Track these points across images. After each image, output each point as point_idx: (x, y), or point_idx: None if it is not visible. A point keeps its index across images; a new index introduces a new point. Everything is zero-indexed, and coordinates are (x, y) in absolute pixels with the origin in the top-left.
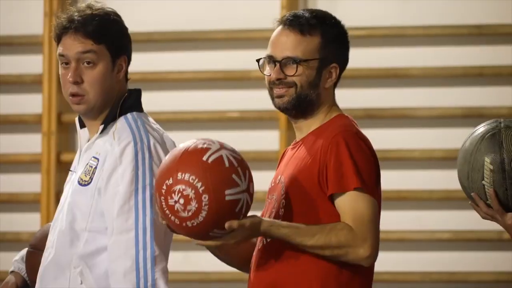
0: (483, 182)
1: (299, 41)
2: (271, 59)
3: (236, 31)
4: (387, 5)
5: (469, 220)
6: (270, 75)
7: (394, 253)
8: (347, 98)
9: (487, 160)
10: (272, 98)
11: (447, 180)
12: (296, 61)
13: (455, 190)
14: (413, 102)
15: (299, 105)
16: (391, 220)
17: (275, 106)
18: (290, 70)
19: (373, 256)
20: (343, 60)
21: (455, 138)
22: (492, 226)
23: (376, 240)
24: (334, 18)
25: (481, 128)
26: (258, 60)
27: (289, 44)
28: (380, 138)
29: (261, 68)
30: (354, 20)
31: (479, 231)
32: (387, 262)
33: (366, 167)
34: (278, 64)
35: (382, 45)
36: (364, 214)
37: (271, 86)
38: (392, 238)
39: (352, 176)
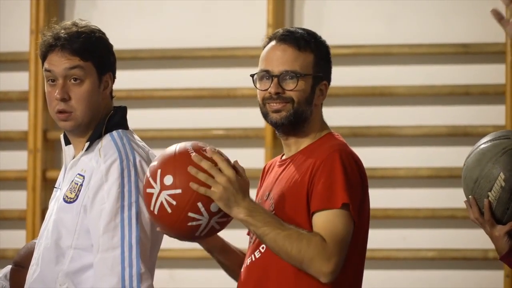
0: (489, 193)
1: (296, 56)
2: (267, 74)
3: (222, 49)
4: (373, 23)
5: (454, 238)
6: (265, 90)
7: (380, 272)
8: (333, 116)
9: (502, 176)
10: (266, 113)
11: (433, 198)
12: (296, 75)
13: (440, 208)
14: (399, 120)
15: (295, 121)
16: (377, 239)
17: (271, 121)
18: (289, 85)
19: (334, 274)
20: (330, 78)
21: (441, 157)
22: (477, 245)
23: (342, 260)
24: (320, 36)
25: (506, 138)
26: (252, 76)
27: (286, 59)
28: (365, 157)
29: (255, 83)
30: (340, 38)
31: (464, 250)
32: (373, 280)
33: (355, 189)
34: (276, 79)
35: (368, 63)
36: (339, 232)
37: (266, 101)
38: (378, 256)
39: (342, 192)
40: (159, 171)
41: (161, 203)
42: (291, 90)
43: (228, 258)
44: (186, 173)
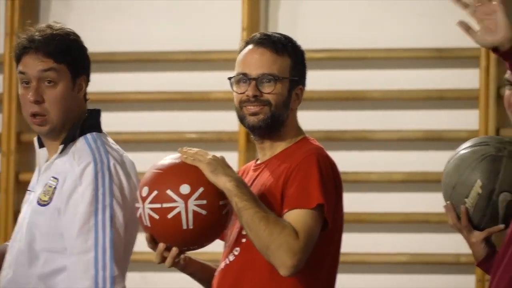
0: (466, 199)
1: (274, 59)
2: (244, 77)
3: (196, 53)
4: (348, 27)
5: (427, 243)
6: (243, 93)
7: (352, 276)
8: (308, 120)
9: (479, 183)
10: (243, 116)
11: (406, 203)
12: (274, 78)
13: (413, 213)
14: (373, 125)
15: (272, 125)
16: (349, 243)
17: (248, 124)
18: (267, 88)
19: (295, 270)
20: (305, 83)
21: (414, 161)
22: (450, 249)
23: (305, 258)
24: (296, 41)
25: (486, 144)
26: (229, 78)
27: (264, 62)
28: (340, 161)
29: (232, 86)
30: (314, 43)
31: (436, 254)
32: (346, 284)
33: (330, 192)
34: (254, 81)
35: (343, 67)
36: (310, 231)
37: (243, 104)
38: (350, 260)
39: (317, 193)
40: (138, 189)
41: (149, 214)
42: (268, 93)
43: (208, 274)
44: (156, 176)
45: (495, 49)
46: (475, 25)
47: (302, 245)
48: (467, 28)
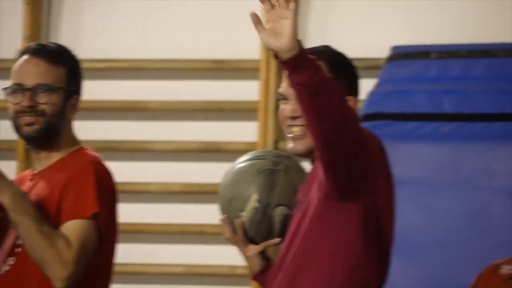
0: (242, 213)
1: (49, 69)
2: (20, 87)
3: None
4: (128, 38)
5: (203, 254)
6: (18, 103)
7: (127, 286)
8: (86, 129)
9: (255, 197)
10: (19, 126)
11: (183, 214)
12: (49, 88)
13: (190, 224)
14: (151, 135)
15: (47, 134)
16: (126, 253)
17: (23, 134)
18: (42, 98)
19: (69, 282)
20: (81, 93)
21: (192, 172)
22: (226, 261)
23: (80, 269)
24: (71, 50)
25: (263, 158)
26: (4, 89)
27: (39, 72)
28: (117, 171)
29: (8, 96)
30: (94, 53)
31: (212, 266)
32: None
33: (106, 201)
34: (29, 92)
35: (122, 78)
36: (84, 242)
37: (19, 115)
38: (127, 271)
39: (93, 202)
40: None
41: None
42: (44, 104)
43: None
44: None
45: (276, 55)
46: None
47: (75, 256)
48: (257, 21)
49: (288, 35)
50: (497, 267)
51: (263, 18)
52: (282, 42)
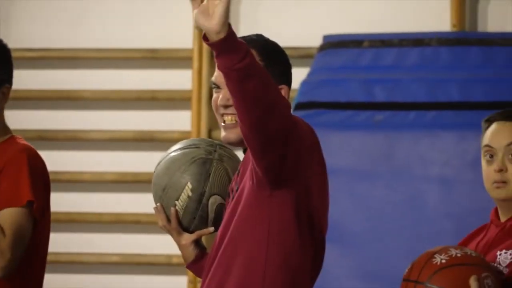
0: (176, 202)
1: None
2: None
3: None
4: (60, 27)
5: (138, 243)
6: None
7: (64, 275)
8: (20, 119)
9: (189, 186)
10: None
11: (117, 203)
12: None
13: (125, 213)
14: (86, 124)
15: None
16: (61, 242)
17: None
18: None
19: (7, 270)
20: (12, 81)
21: (127, 161)
22: (161, 250)
23: (17, 257)
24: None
25: (196, 146)
26: None
27: None
28: (52, 160)
29: None
30: (27, 42)
31: (148, 255)
32: (58, 284)
33: (40, 189)
34: None
35: (55, 67)
36: (20, 230)
37: None
38: (62, 260)
39: (27, 190)
40: None
41: None
42: None
43: None
44: None
45: (205, 36)
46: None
47: (10, 244)
48: None
49: (219, 17)
50: (431, 255)
51: None
52: (212, 23)
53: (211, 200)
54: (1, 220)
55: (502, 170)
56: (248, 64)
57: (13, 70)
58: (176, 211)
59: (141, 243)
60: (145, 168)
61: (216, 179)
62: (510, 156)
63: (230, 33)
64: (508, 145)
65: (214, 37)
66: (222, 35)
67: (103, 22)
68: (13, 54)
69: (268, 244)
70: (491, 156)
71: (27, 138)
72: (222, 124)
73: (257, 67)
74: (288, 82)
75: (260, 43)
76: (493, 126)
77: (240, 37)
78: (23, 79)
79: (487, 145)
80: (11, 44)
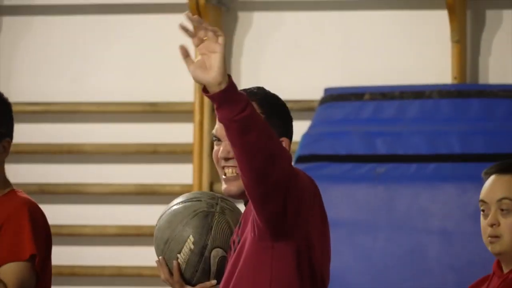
0: (178, 255)
1: None
2: None
3: None
4: (62, 81)
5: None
6: None
7: None
8: (22, 172)
9: (191, 239)
10: None
11: (119, 256)
12: None
13: (127, 266)
14: (87, 178)
15: None
16: None
17: None
18: None
19: None
20: (12, 136)
21: (128, 214)
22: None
23: None
24: (1, 94)
25: (198, 200)
26: None
27: None
28: (53, 214)
29: None
30: (29, 96)
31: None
32: None
33: (42, 242)
34: None
35: (56, 121)
36: (24, 285)
37: None
38: None
39: (30, 244)
40: None
41: None
42: None
43: None
44: None
45: (204, 89)
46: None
47: None
48: (186, 54)
49: (217, 69)
50: None
51: (193, 53)
52: (211, 76)
53: (213, 253)
54: (4, 275)
55: (494, 224)
56: (249, 115)
57: (14, 124)
58: (178, 264)
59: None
60: (147, 222)
61: (218, 232)
62: (502, 210)
63: (231, 84)
64: (500, 200)
65: (215, 89)
66: (223, 86)
67: (103, 76)
68: (14, 108)
69: None
70: (484, 211)
71: (28, 191)
72: (223, 176)
73: (258, 119)
74: (289, 135)
75: (261, 95)
76: (489, 180)
77: (242, 90)
78: (25, 133)
79: (481, 200)
80: (12, 98)
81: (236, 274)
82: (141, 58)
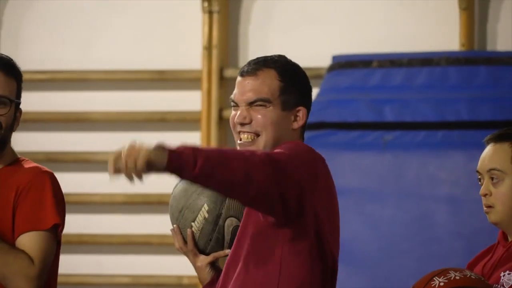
0: (193, 223)
1: (5, 81)
2: None
3: None
4: (69, 49)
5: (149, 265)
6: None
7: None
8: (29, 141)
9: (206, 208)
10: None
11: (128, 224)
12: (6, 100)
13: (135, 234)
14: (95, 146)
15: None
16: (72, 264)
17: None
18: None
19: None
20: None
21: (136, 182)
22: (172, 271)
23: (44, 282)
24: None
25: None
26: None
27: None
28: (61, 182)
29: None
30: (36, 64)
31: (158, 276)
32: None
33: (63, 210)
34: None
35: (64, 89)
36: (46, 254)
37: None
38: (72, 281)
39: (53, 213)
40: None
41: None
42: (2, 115)
43: None
44: None
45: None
46: None
47: (37, 270)
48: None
49: (141, 170)
50: (430, 278)
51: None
52: (140, 172)
53: (227, 222)
54: (28, 245)
55: (486, 194)
56: (202, 165)
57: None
58: (192, 232)
59: (152, 264)
60: (155, 189)
61: (233, 202)
62: (492, 179)
63: (169, 152)
64: (489, 170)
65: (161, 165)
66: (164, 159)
67: (111, 44)
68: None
69: (281, 274)
70: (480, 180)
71: (36, 160)
72: (239, 141)
73: (212, 159)
74: (307, 104)
75: (282, 63)
76: (486, 149)
77: (263, 57)
78: (32, 101)
79: (476, 170)
80: (20, 66)
81: (245, 249)
82: (148, 26)
